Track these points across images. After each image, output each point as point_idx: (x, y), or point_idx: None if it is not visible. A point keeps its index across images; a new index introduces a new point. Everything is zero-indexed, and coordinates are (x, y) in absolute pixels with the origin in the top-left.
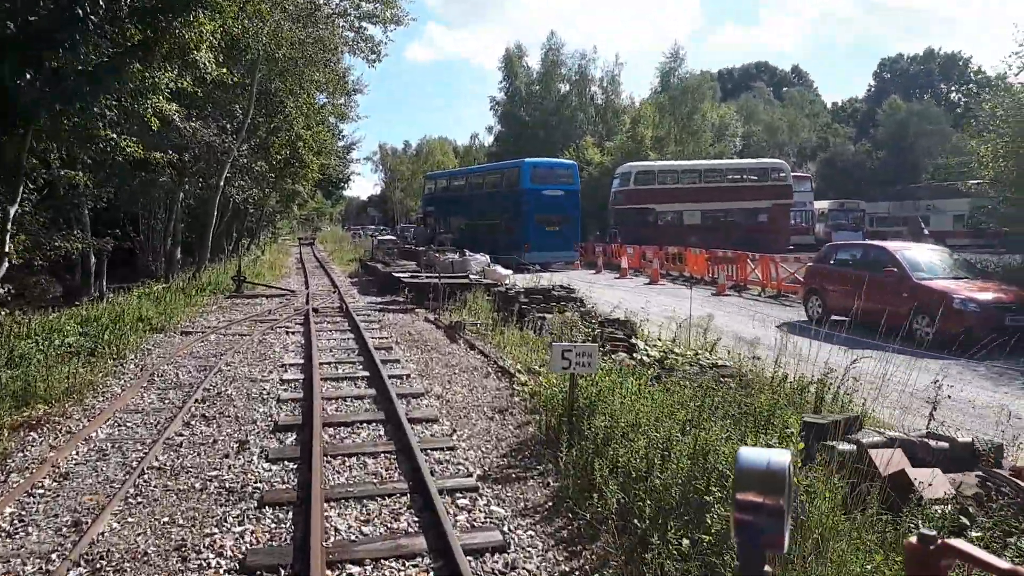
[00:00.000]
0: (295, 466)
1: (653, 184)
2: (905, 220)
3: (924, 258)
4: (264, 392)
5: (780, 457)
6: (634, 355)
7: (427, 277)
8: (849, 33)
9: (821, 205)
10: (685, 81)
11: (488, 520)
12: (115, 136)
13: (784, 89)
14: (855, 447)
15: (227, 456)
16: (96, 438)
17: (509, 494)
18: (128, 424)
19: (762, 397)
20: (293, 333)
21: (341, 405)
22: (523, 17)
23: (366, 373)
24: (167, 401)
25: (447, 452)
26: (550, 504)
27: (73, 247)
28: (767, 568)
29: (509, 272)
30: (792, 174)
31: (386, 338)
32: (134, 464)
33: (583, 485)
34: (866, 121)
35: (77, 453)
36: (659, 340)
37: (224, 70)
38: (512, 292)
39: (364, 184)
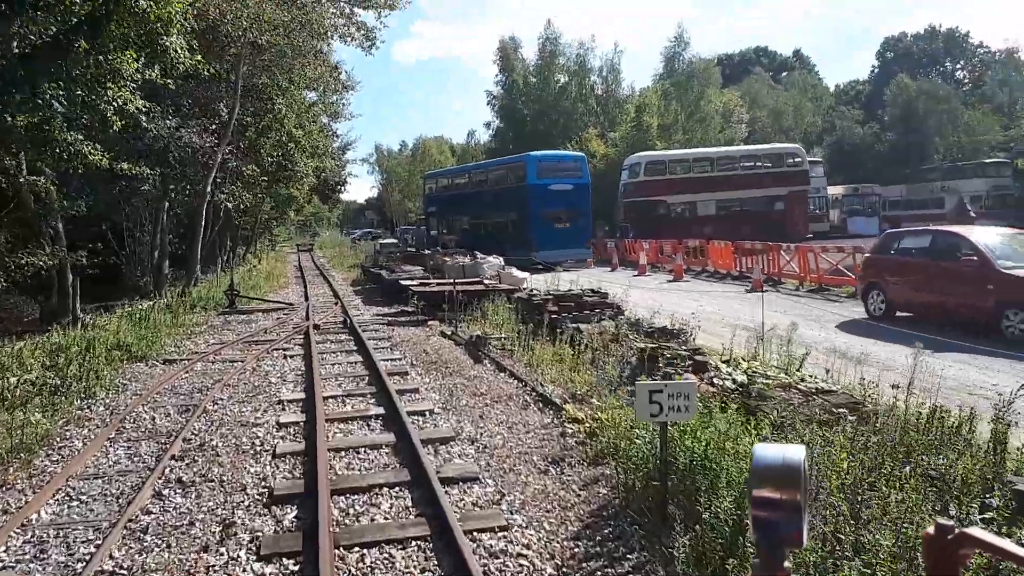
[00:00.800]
0: (296, 567)
1: (664, 175)
2: (924, 203)
3: (1007, 244)
4: (257, 442)
5: (795, 453)
6: (711, 378)
7: (439, 285)
8: (842, 13)
9: (835, 191)
10: (691, 65)
11: None
12: (79, 138)
13: (784, 74)
14: None
15: (206, 549)
16: (37, 522)
17: None
18: (82, 497)
19: (965, 460)
20: (292, 357)
21: (353, 459)
22: (513, 12)
23: (380, 410)
24: (137, 459)
25: (500, 535)
26: None
27: (42, 263)
28: (787, 564)
29: (526, 275)
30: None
31: (399, 359)
32: (79, 567)
33: None
34: (872, 102)
35: (6, 550)
36: (742, 359)
37: (199, 58)
38: (537, 299)
39: (361, 187)
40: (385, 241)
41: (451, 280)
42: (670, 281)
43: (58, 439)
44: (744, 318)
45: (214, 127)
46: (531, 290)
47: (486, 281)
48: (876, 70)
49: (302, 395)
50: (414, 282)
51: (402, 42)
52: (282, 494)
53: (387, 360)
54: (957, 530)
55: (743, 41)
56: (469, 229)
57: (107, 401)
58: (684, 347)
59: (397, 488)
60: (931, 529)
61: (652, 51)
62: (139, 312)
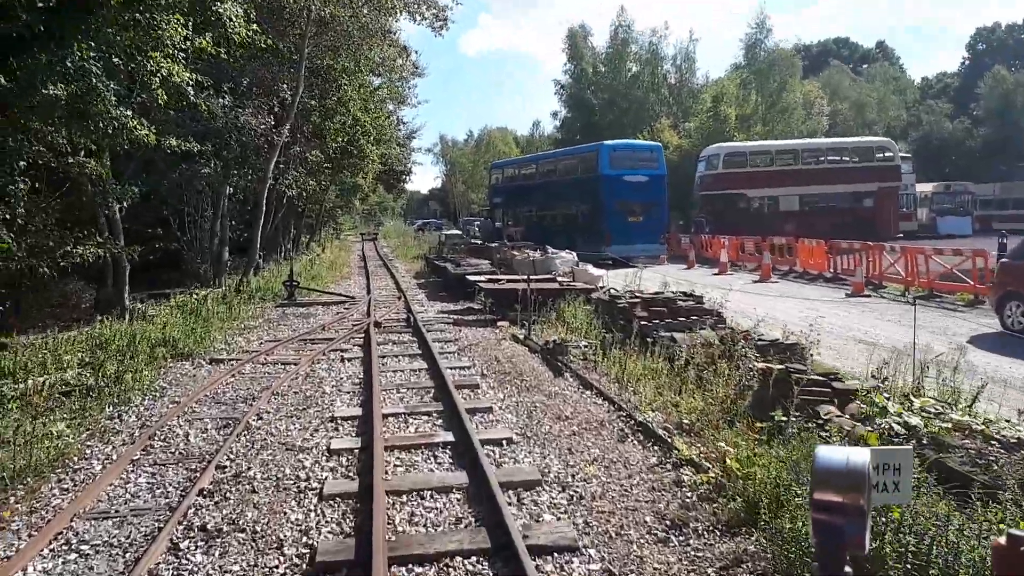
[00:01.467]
0: None
1: (744, 167)
2: (1021, 202)
3: None
4: (302, 476)
5: (859, 456)
6: (865, 417)
7: (509, 282)
8: (924, 4)
9: (924, 188)
10: (773, 54)
11: None
12: (126, 113)
13: (864, 66)
14: None
15: None
16: None
17: None
18: (84, 548)
19: None
20: (350, 360)
21: (417, 508)
22: (577, 3)
23: (449, 436)
24: (159, 491)
25: None
26: None
27: (89, 252)
28: (847, 569)
29: (603, 272)
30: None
31: (467, 368)
32: None
33: None
34: (961, 96)
35: None
36: (911, 395)
37: (255, 27)
38: (622, 302)
39: (424, 177)
40: (449, 232)
41: (523, 277)
42: (756, 282)
43: (76, 458)
44: (857, 329)
45: (276, 109)
46: (609, 290)
47: (559, 279)
48: (966, 62)
49: (358, 410)
50: (482, 278)
51: (469, 33)
52: (327, 560)
53: (454, 368)
54: None
55: (811, 33)
56: (536, 221)
57: (141, 409)
58: (813, 370)
59: (474, 559)
60: (1003, 539)
61: (725, 40)
62: (192, 303)
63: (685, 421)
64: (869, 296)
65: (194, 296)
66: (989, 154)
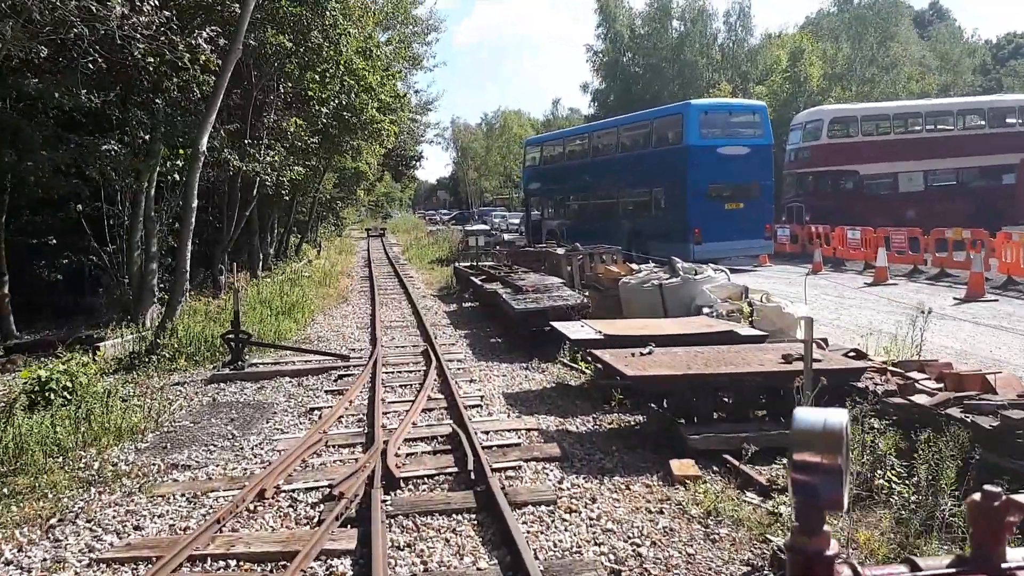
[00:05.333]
0: None
1: (855, 136)
2: None
3: None
4: None
5: (836, 417)
6: None
7: (670, 359)
8: None
9: None
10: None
11: None
12: None
13: (917, 29)
14: None
15: None
16: None
17: None
18: None
19: None
20: None
21: None
22: None
23: None
24: None
25: None
26: None
27: None
28: (826, 528)
29: (806, 313)
30: None
31: None
32: None
33: None
34: None
35: None
36: None
37: None
38: None
39: (432, 165)
40: (472, 228)
41: (685, 330)
42: (960, 300)
43: None
44: None
45: (223, 39)
46: (917, 386)
47: (760, 343)
48: None
49: None
50: (593, 333)
51: (463, 22)
52: None
53: None
54: (1004, 496)
55: None
56: (586, 212)
57: None
58: None
59: None
60: (977, 496)
61: None
62: (50, 375)
63: None
64: None
65: (55, 366)
66: None
